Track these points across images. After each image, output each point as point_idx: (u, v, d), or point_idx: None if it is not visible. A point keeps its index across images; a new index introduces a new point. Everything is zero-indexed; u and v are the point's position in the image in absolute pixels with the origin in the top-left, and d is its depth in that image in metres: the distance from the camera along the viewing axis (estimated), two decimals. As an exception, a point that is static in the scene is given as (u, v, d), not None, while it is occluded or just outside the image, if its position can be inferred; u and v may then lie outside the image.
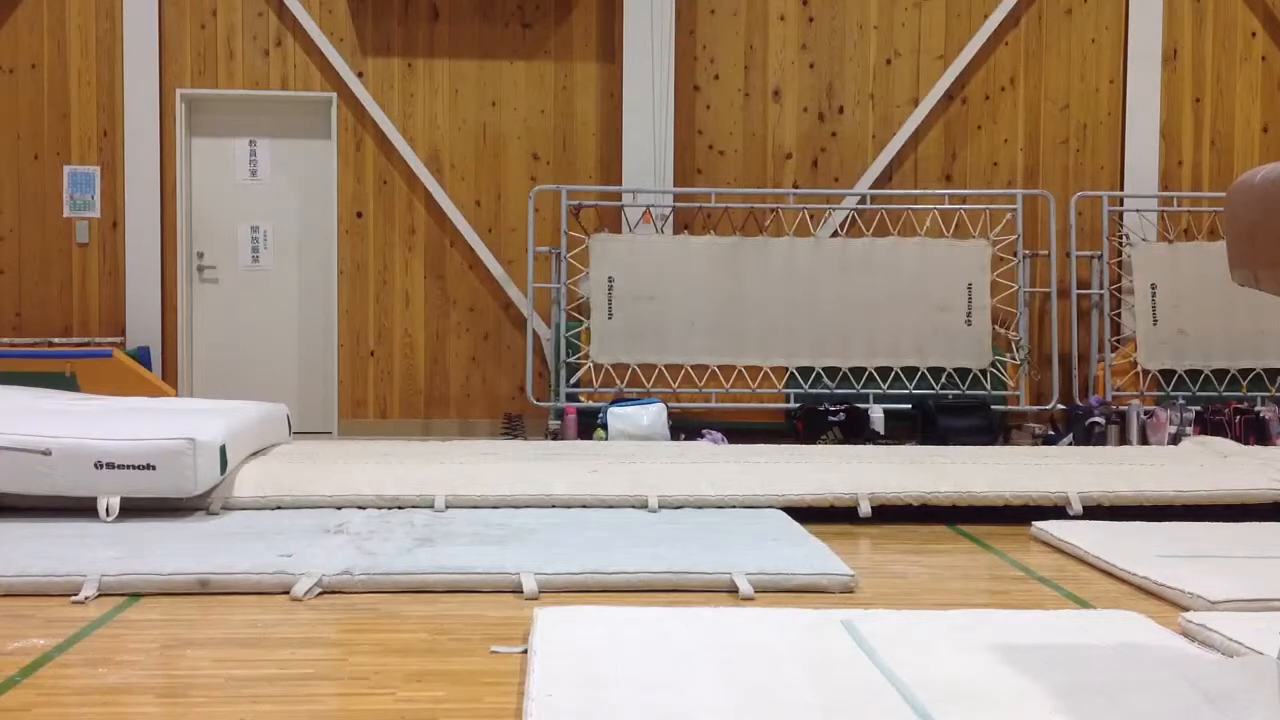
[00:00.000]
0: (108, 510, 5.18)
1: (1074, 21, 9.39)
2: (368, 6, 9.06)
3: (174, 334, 9.01)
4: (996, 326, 8.76)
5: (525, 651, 3.53)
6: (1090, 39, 9.38)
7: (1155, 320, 8.76)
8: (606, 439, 7.87)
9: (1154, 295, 8.78)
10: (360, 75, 9.06)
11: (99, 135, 8.97)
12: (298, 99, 9.11)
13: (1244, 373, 8.72)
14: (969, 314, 8.65)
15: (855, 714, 2.98)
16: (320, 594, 4.26)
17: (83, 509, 5.24)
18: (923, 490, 5.81)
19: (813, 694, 3.10)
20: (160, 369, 8.84)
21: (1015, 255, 8.79)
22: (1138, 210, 9.02)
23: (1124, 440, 8.16)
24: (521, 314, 9.06)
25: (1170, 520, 5.63)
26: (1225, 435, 7.71)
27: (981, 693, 3.12)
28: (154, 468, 5.24)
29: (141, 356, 8.57)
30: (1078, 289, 8.99)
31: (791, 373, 8.62)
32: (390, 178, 9.12)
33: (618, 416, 8.00)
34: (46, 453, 5.22)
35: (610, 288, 8.54)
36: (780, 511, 5.59)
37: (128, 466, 5.23)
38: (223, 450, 5.46)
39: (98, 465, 5.21)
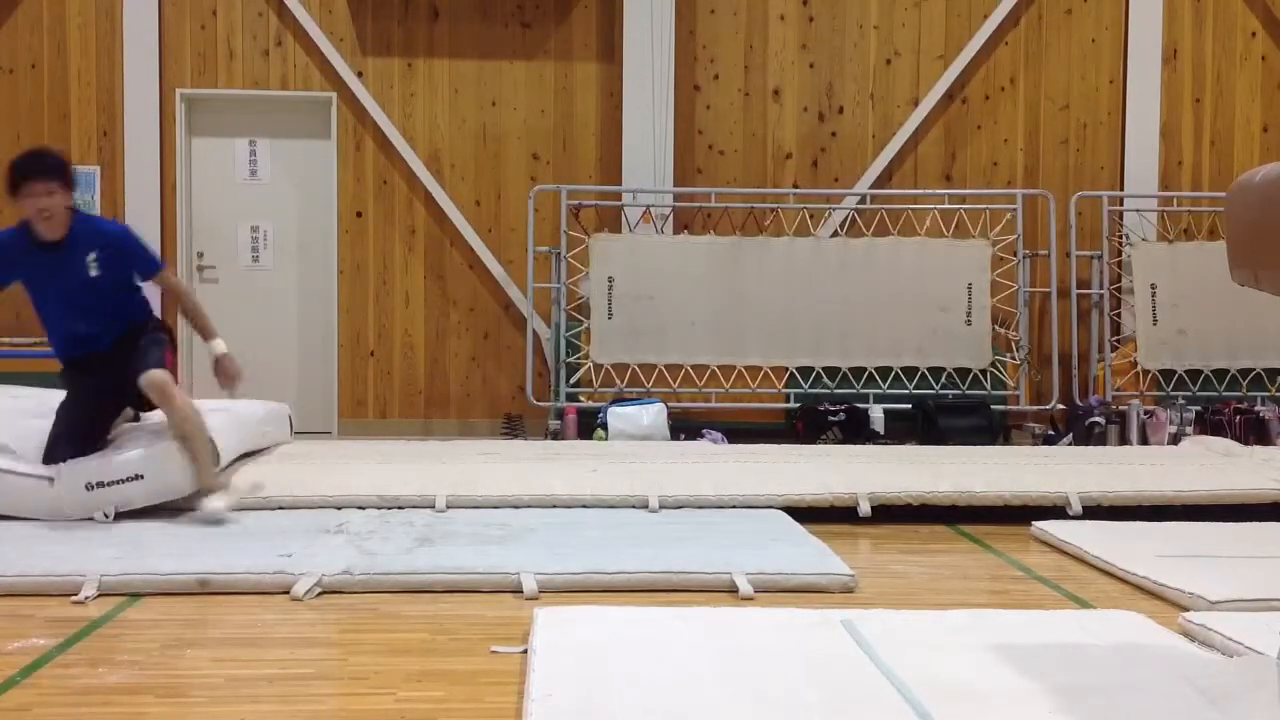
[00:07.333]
0: (104, 514, 5.16)
1: (1074, 21, 9.39)
2: (368, 6, 9.06)
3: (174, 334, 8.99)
4: (996, 326, 8.75)
5: (525, 651, 3.53)
6: (1090, 39, 9.38)
7: (1155, 320, 8.75)
8: (606, 439, 7.86)
9: (1154, 295, 8.78)
10: (360, 75, 9.06)
11: (99, 135, 8.97)
12: (298, 99, 9.11)
13: (1244, 373, 8.72)
14: (969, 314, 8.65)
15: (855, 714, 2.98)
16: (320, 594, 4.26)
17: (82, 509, 5.23)
18: (922, 490, 5.80)
19: (813, 694, 3.10)
20: (160, 369, 8.83)
21: (1015, 255, 8.79)
22: (1138, 210, 9.02)
23: (1124, 440, 8.15)
24: (521, 314, 9.05)
25: (1170, 520, 5.62)
26: (1225, 435, 7.70)
27: (981, 693, 3.12)
28: (141, 478, 5.20)
29: (141, 356, 8.56)
30: (1078, 289, 8.99)
31: (791, 373, 8.62)
32: (390, 178, 9.11)
33: (618, 416, 7.99)
34: (50, 480, 5.19)
35: (610, 288, 8.54)
36: (780, 511, 5.58)
37: (116, 482, 5.18)
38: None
39: (89, 487, 5.17)
